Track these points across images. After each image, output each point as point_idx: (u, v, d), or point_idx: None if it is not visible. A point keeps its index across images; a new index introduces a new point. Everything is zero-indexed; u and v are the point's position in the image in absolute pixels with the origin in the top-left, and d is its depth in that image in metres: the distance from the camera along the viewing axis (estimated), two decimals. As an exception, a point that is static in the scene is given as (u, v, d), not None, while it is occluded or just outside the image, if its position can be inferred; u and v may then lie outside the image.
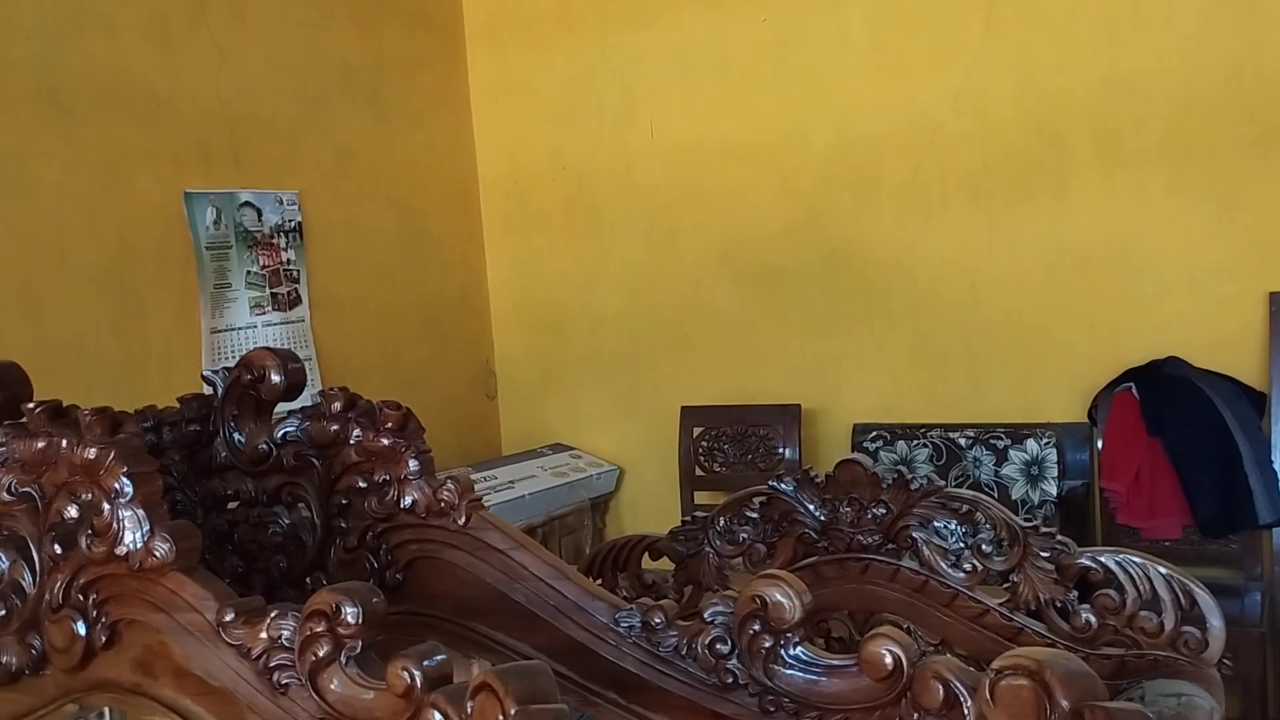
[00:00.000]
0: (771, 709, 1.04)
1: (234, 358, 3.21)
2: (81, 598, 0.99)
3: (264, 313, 3.34)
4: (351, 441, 1.23)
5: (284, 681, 0.90)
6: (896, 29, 3.53)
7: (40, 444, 1.01)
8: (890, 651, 0.97)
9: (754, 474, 3.73)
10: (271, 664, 0.90)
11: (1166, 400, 3.23)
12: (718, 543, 1.87)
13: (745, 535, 1.86)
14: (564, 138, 4.11)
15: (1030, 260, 3.43)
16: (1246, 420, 3.14)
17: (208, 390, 1.30)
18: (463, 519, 1.18)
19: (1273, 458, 3.09)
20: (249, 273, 3.29)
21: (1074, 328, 3.40)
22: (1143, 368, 3.28)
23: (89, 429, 0.99)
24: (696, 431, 3.90)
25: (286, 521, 1.27)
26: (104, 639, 0.99)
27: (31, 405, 1.03)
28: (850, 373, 3.74)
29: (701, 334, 3.96)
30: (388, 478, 1.21)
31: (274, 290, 3.37)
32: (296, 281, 3.45)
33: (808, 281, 3.75)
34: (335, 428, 1.24)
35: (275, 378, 1.26)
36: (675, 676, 1.09)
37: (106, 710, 1.41)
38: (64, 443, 1.00)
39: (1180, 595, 1.59)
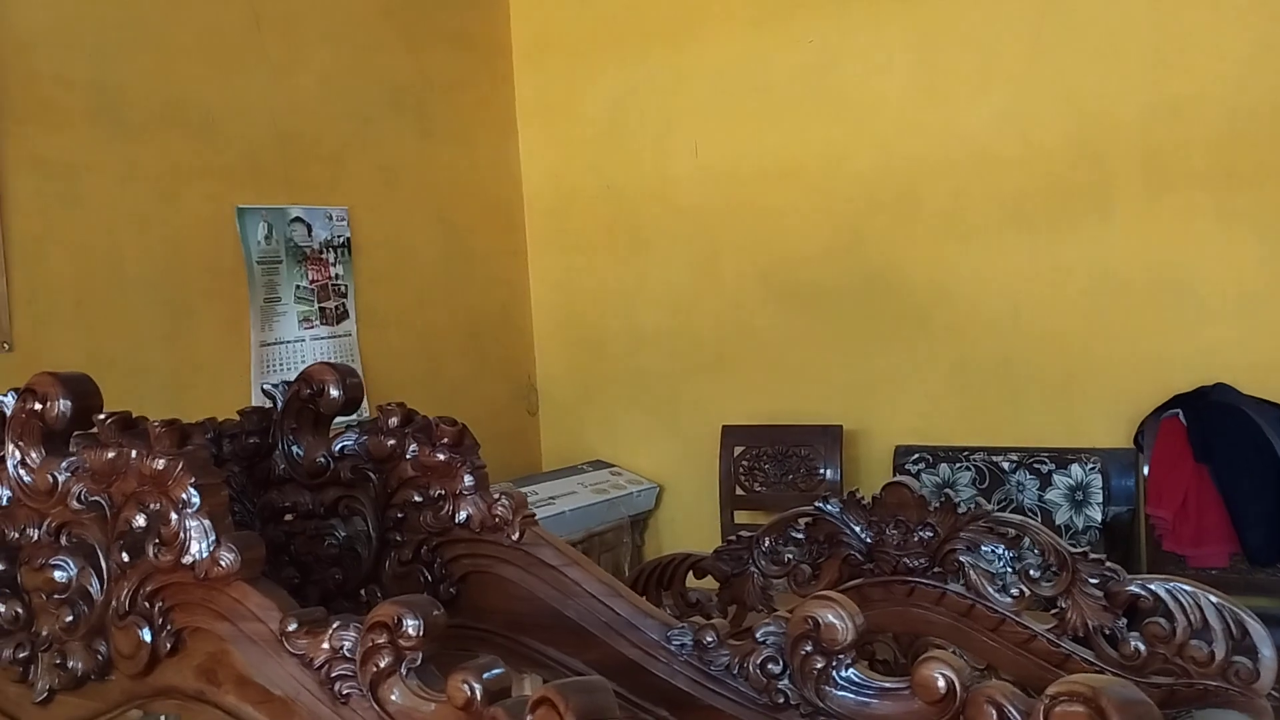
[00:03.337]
0: (822, 729, 1.04)
1: (283, 371, 3.25)
2: (148, 605, 1.01)
3: (312, 326, 3.39)
4: (408, 456, 1.25)
5: (345, 692, 0.91)
6: (940, 51, 3.54)
7: (110, 454, 1.04)
8: (943, 675, 0.97)
9: (795, 494, 3.73)
10: (333, 674, 0.92)
11: (1214, 427, 3.20)
12: (763, 563, 1.87)
13: (790, 556, 1.86)
14: (607, 157, 4.14)
15: (1074, 284, 3.41)
16: (1294, 448, 3.10)
17: (266, 403, 1.32)
18: (516, 534, 1.19)
19: (1321, 486, 3.05)
20: (298, 287, 3.34)
21: (1118, 352, 3.38)
22: (1190, 394, 3.25)
23: (158, 440, 1.02)
24: (737, 451, 3.90)
25: (342, 534, 1.29)
26: (169, 646, 1.01)
27: (102, 416, 1.05)
28: (891, 394, 3.73)
29: (742, 353, 3.97)
30: (443, 492, 1.23)
31: (322, 305, 3.42)
32: (344, 296, 3.49)
33: (849, 302, 3.75)
34: (392, 442, 1.26)
35: (334, 392, 1.28)
36: (726, 695, 1.09)
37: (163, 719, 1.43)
38: (133, 453, 1.02)
39: (1231, 625, 1.58)
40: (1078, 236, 3.39)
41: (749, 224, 3.90)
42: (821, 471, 3.76)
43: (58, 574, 1.07)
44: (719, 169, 3.93)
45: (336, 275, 3.46)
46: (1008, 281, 3.50)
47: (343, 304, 3.49)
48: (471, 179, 4.09)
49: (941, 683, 0.97)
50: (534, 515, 1.19)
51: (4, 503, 1.11)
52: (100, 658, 1.06)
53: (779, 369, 3.90)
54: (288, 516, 1.32)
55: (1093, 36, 3.32)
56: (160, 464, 1.00)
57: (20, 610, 1.10)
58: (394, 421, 1.26)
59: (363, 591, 1.28)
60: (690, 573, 1.89)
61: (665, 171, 4.03)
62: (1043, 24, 3.39)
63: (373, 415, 1.29)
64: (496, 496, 1.21)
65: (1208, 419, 3.22)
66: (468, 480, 1.22)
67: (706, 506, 3.97)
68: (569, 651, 1.15)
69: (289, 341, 3.31)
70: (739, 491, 3.90)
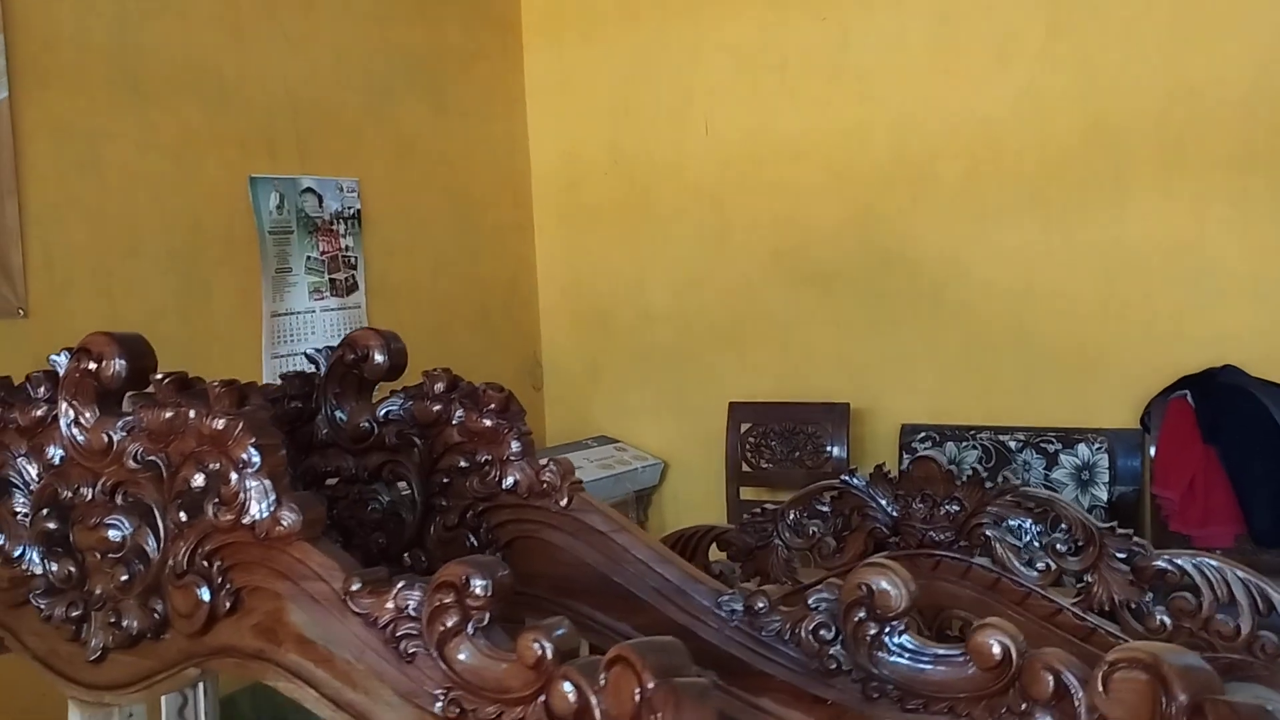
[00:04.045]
0: (875, 695, 1.05)
1: (293, 342, 3.25)
2: (206, 564, 1.02)
3: (323, 298, 3.38)
4: (454, 422, 1.25)
5: (410, 650, 0.92)
6: (957, 30, 3.53)
7: (168, 414, 1.04)
8: (1000, 641, 0.98)
9: (801, 471, 3.75)
10: (398, 633, 0.92)
11: (1222, 408, 3.22)
12: (787, 535, 1.88)
13: (815, 529, 1.87)
14: (619, 132, 4.13)
15: (1086, 265, 3.42)
16: (1303, 431, 3.12)
17: (309, 368, 1.32)
18: (565, 500, 1.20)
19: (1328, 469, 3.07)
20: (309, 258, 3.33)
21: (1129, 333, 3.39)
22: (1198, 375, 3.27)
23: (218, 400, 1.02)
24: (744, 428, 3.91)
25: (386, 499, 1.30)
26: (227, 605, 1.01)
27: (160, 376, 1.05)
28: (900, 373, 3.74)
29: (751, 331, 3.97)
30: (490, 458, 1.24)
31: (332, 276, 3.41)
32: (354, 268, 3.48)
33: (859, 280, 3.76)
34: (438, 408, 1.26)
35: (379, 358, 1.28)
36: (777, 661, 1.10)
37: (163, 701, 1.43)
38: (192, 413, 1.02)
39: (1258, 599, 1.59)
40: (1091, 217, 3.40)
41: (760, 201, 3.89)
42: (828, 449, 3.77)
43: (112, 533, 1.07)
44: (731, 145, 3.92)
45: (347, 247, 3.46)
46: (1020, 261, 3.51)
47: (353, 276, 3.49)
48: (482, 153, 4.08)
49: (997, 649, 0.98)
50: (581, 482, 1.20)
51: (57, 462, 1.11)
52: (156, 616, 1.06)
53: (787, 346, 3.91)
54: (330, 481, 1.32)
55: (1110, 18, 3.32)
56: (220, 424, 1.00)
57: (73, 569, 1.10)
58: (440, 387, 1.26)
59: (406, 556, 1.28)
60: (714, 545, 1.90)
61: (676, 147, 4.02)
62: (1060, 5, 3.39)
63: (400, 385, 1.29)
64: (544, 463, 1.21)
65: (1216, 401, 3.24)
66: (515, 446, 1.22)
67: (712, 483, 3.99)
68: (617, 616, 1.16)
69: (300, 312, 3.31)
70: (745, 468, 3.91)
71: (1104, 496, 3.37)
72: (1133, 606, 1.63)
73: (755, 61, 3.85)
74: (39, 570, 1.12)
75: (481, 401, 1.24)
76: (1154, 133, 3.29)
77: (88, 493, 1.09)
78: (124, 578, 1.07)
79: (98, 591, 1.10)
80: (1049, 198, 3.45)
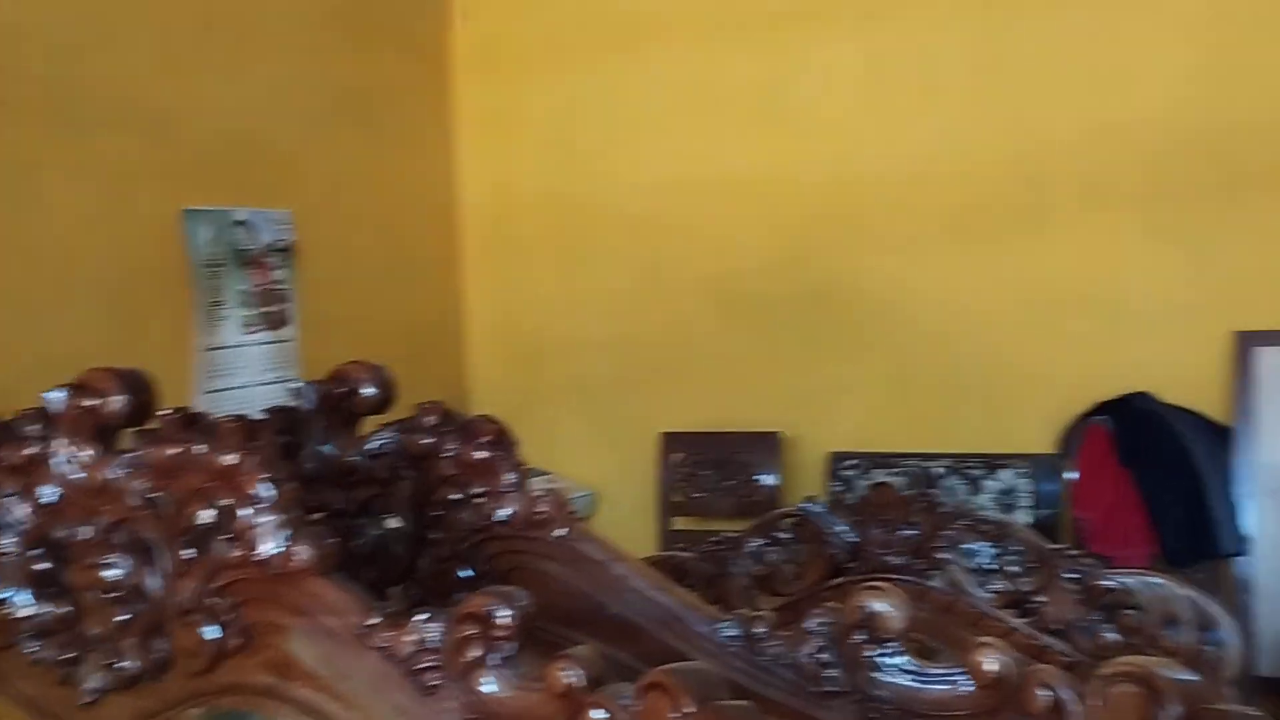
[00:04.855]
0: (874, 716, 1.09)
1: (226, 376, 3.20)
2: (215, 601, 1.01)
3: (254, 331, 3.33)
4: (446, 455, 1.27)
5: (432, 683, 0.93)
6: (886, 70, 3.65)
7: (173, 450, 1.04)
8: (996, 659, 1.03)
9: (733, 500, 3.80)
10: (419, 666, 0.93)
11: (1137, 434, 3.36)
12: (747, 563, 1.92)
13: (774, 556, 1.91)
14: (551, 167, 4.16)
15: (1007, 297, 3.55)
16: (1212, 454, 3.27)
17: (293, 402, 1.32)
18: (561, 531, 1.22)
19: (1237, 490, 3.21)
20: (241, 291, 3.28)
21: (1048, 362, 3.52)
22: (1114, 401, 3.41)
23: (227, 436, 1.02)
24: (676, 458, 3.95)
25: (375, 532, 1.30)
26: (236, 642, 1.01)
27: (165, 412, 1.05)
28: (829, 402, 3.82)
29: (684, 363, 4.02)
30: (484, 490, 1.25)
31: (264, 309, 3.37)
32: (287, 301, 3.44)
33: (790, 313, 3.83)
34: (429, 440, 1.27)
35: (369, 390, 1.29)
36: (776, 685, 1.13)
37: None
38: (200, 449, 1.02)
39: (1200, 615, 1.67)
40: (1013, 252, 3.53)
41: (694, 235, 3.96)
42: (760, 478, 3.83)
43: (111, 572, 1.06)
44: (666, 181, 3.98)
45: (279, 280, 3.42)
46: (945, 294, 3.62)
47: (285, 309, 3.44)
48: (412, 185, 4.07)
49: (994, 667, 1.03)
50: (577, 512, 1.22)
51: (50, 501, 1.09)
52: (157, 656, 1.05)
53: (720, 378, 3.97)
54: (317, 515, 1.32)
55: (1032, 60, 3.47)
56: (231, 459, 1.00)
57: (67, 610, 1.09)
58: (432, 420, 1.28)
59: (398, 590, 1.29)
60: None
61: (610, 181, 4.07)
62: (985, 48, 3.53)
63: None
64: (538, 494, 1.23)
65: (1130, 426, 3.38)
66: (509, 478, 1.24)
67: (644, 514, 4.01)
68: (616, 645, 1.18)
69: (232, 346, 3.25)
70: (678, 498, 3.94)
71: (1026, 520, 3.47)
72: (1082, 625, 1.70)
73: (689, 98, 3.92)
74: (29, 612, 1.10)
75: (474, 434, 1.25)
76: (1072, 169, 3.44)
77: (85, 532, 1.08)
78: (123, 617, 1.06)
79: (93, 632, 1.08)
80: (973, 233, 3.58)
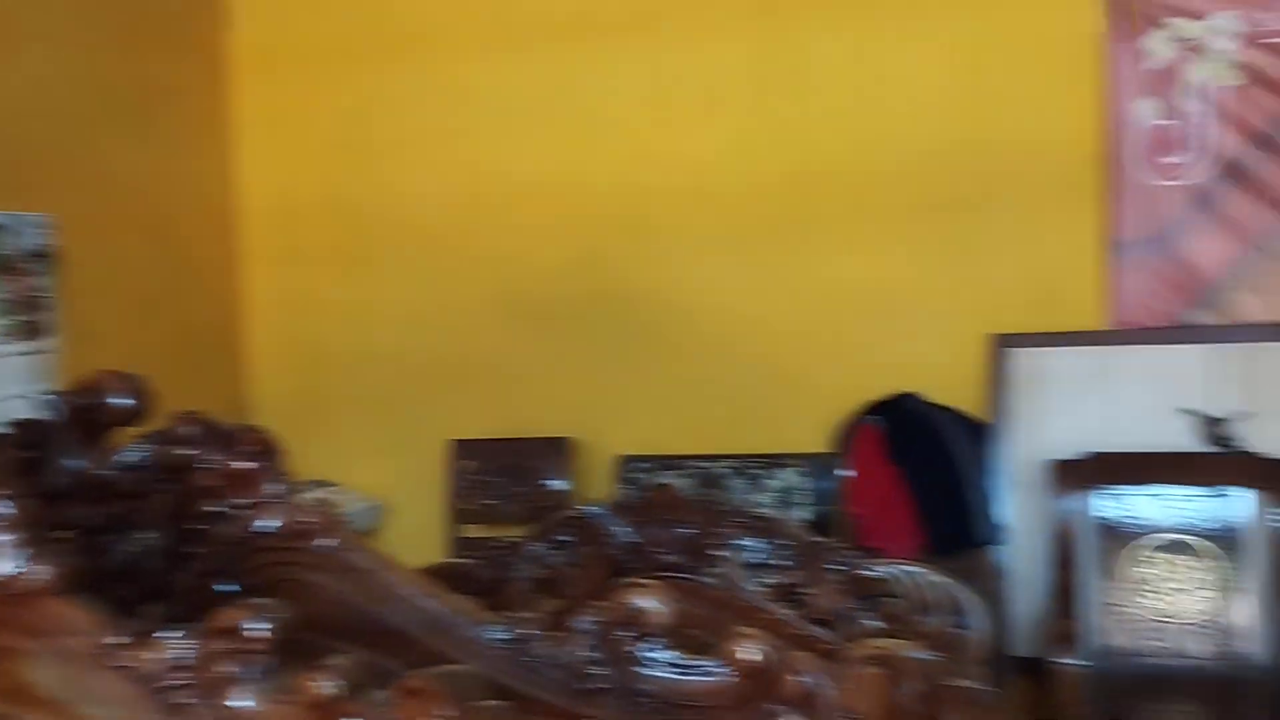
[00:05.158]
0: (638, 710, 1.12)
1: (-22, 388, 2.99)
2: (-59, 628, 0.95)
3: (10, 340, 3.13)
4: (205, 466, 1.23)
5: (181, 702, 0.90)
6: (672, 81, 3.74)
7: (-107, 468, 0.97)
8: (753, 649, 1.07)
9: (524, 507, 3.80)
10: (167, 685, 0.90)
11: (904, 432, 3.55)
12: (528, 567, 1.93)
13: (555, 559, 1.93)
14: (338, 172, 4.07)
15: (787, 302, 3.69)
16: (971, 450, 3.48)
17: (43, 414, 1.26)
18: (326, 541, 1.20)
19: (994, 483, 3.43)
20: (-2, 299, 3.08)
21: (824, 365, 3.67)
22: (884, 402, 3.59)
23: (-45, 452, 0.96)
24: (466, 466, 3.93)
25: (129, 549, 1.24)
26: (-35, 670, 0.95)
27: (-116, 427, 0.98)
28: (618, 407, 3.87)
29: (473, 370, 4.00)
30: (245, 501, 1.22)
31: (21, 317, 3.16)
32: (47, 309, 3.24)
33: (580, 319, 3.87)
34: (187, 452, 1.23)
35: (119, 400, 1.23)
36: (544, 685, 1.14)
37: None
38: (-76, 466, 0.96)
39: (950, 601, 1.78)
40: (790, 259, 3.67)
41: (482, 242, 3.94)
42: (550, 483, 3.84)
43: None
44: (454, 187, 3.95)
45: (39, 287, 3.22)
46: (727, 300, 3.74)
47: (45, 318, 3.24)
48: (188, 189, 3.90)
49: (751, 657, 1.07)
50: (345, 521, 1.20)
51: None
52: None
53: (509, 385, 3.96)
54: (63, 532, 1.26)
55: (807, 76, 3.63)
56: (-41, 476, 0.94)
57: None
58: (190, 431, 1.23)
59: (153, 606, 1.24)
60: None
61: (398, 188, 4.01)
62: (763, 63, 3.66)
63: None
64: (303, 504, 1.21)
65: (899, 426, 3.56)
66: (273, 488, 1.21)
67: (434, 523, 3.97)
68: (387, 654, 1.17)
69: (-15, 357, 3.04)
70: (469, 506, 3.92)
71: (805, 517, 3.61)
72: (847, 614, 1.79)
73: (478, 105, 3.91)
74: None
75: (235, 444, 1.22)
76: (843, 180, 3.60)
77: None
78: None
79: None
80: (752, 241, 3.70)
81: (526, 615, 1.17)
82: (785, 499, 3.64)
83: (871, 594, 1.82)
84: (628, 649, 1.11)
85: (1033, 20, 3.45)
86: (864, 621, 1.74)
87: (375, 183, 4.05)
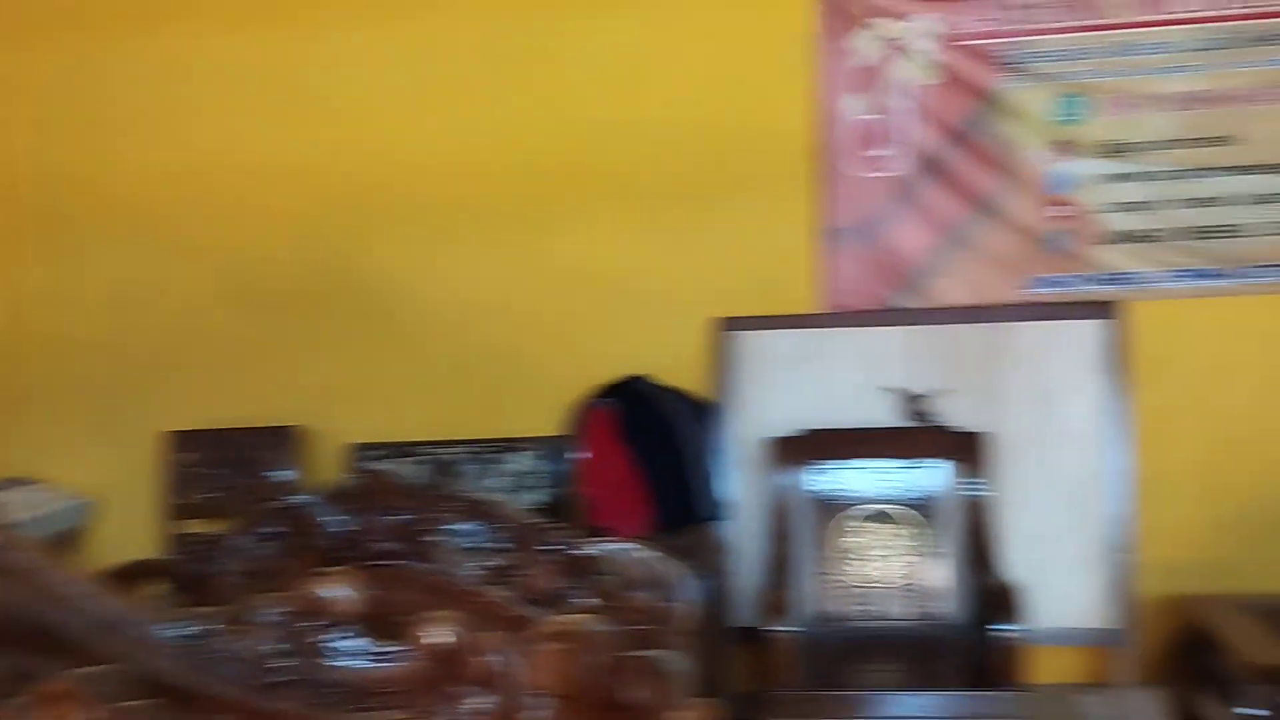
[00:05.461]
0: (325, 700, 1.10)
1: None
2: None
3: None
4: None
5: None
6: (403, 61, 3.67)
7: None
8: (442, 631, 1.07)
9: (249, 500, 3.65)
10: None
11: (635, 414, 3.63)
12: (234, 561, 1.86)
13: (264, 551, 1.87)
14: (44, 146, 3.78)
15: (523, 287, 3.70)
16: (698, 430, 3.60)
17: None
18: (-16, 542, 1.11)
19: (719, 462, 3.56)
20: None
21: (558, 350, 3.71)
22: (616, 385, 3.66)
23: None
24: (185, 458, 3.74)
25: None
26: None
27: None
28: (351, 394, 3.78)
29: (194, 358, 3.81)
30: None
31: None
32: None
33: (308, 305, 3.75)
34: None
35: None
36: (226, 682, 1.10)
37: None
38: None
39: (657, 576, 1.84)
40: (524, 245, 3.69)
41: (203, 224, 3.76)
42: (276, 474, 3.71)
43: None
44: (173, 166, 3.75)
45: None
46: (461, 284, 3.72)
47: None
48: None
49: (440, 639, 1.07)
50: (9, 523, 1.12)
51: None
52: None
53: (235, 373, 3.80)
54: None
55: (539, 63, 3.64)
56: None
57: None
58: None
59: None
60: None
61: (111, 165, 3.76)
62: (499, 44, 3.65)
63: None
64: (-45, 502, 1.11)
65: (630, 408, 3.64)
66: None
67: (150, 518, 3.76)
68: (51, 657, 1.09)
69: None
70: (188, 500, 3.73)
71: (542, 500, 3.64)
72: (565, 592, 1.82)
73: (202, 82, 3.71)
74: None
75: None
76: (578, 164, 3.63)
77: None
78: None
79: None
80: (488, 225, 3.69)
81: (210, 610, 1.13)
82: (520, 483, 3.66)
83: (586, 573, 1.85)
84: (312, 639, 1.08)
85: (753, 16, 3.58)
86: (576, 600, 1.78)
87: (87, 158, 3.80)
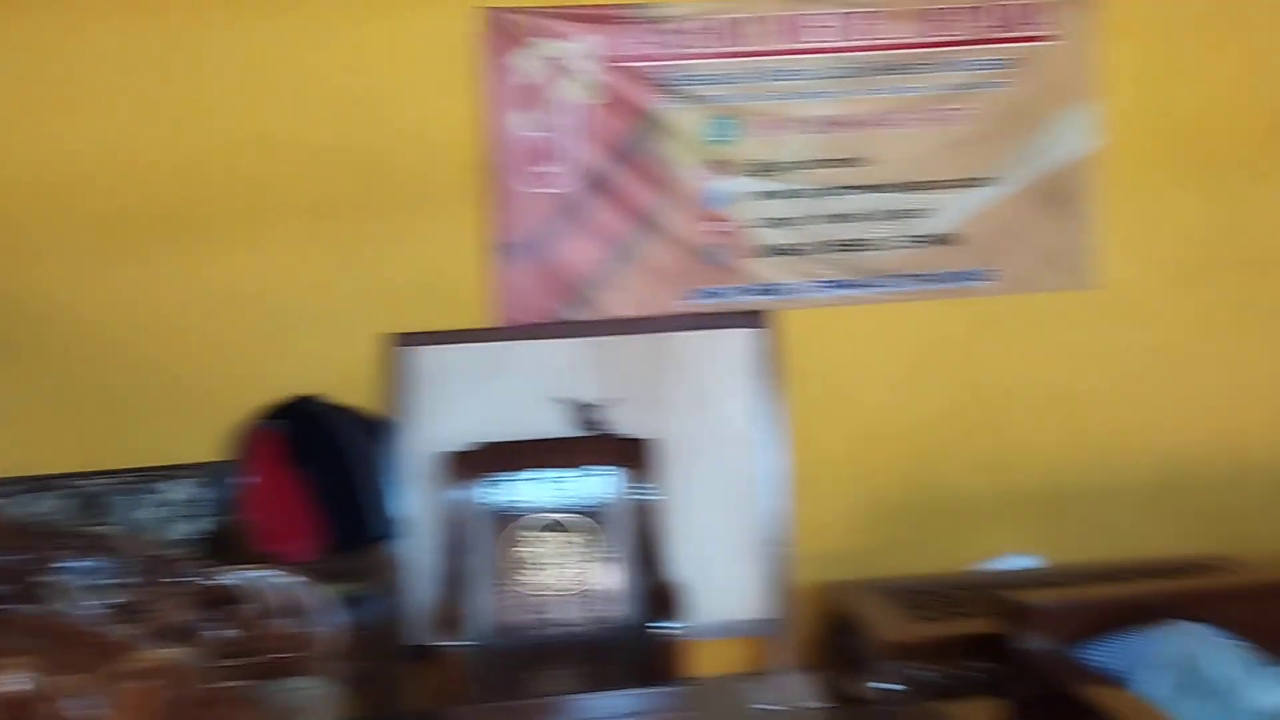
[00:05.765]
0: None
1: None
2: None
3: None
4: None
5: None
6: (30, 68, 3.42)
7: None
8: (12, 682, 1.00)
9: None
10: None
11: (305, 435, 3.53)
12: None
13: None
14: None
15: (177, 306, 3.52)
16: (371, 448, 3.55)
17: None
18: None
19: (393, 479, 3.52)
20: None
21: (219, 371, 3.55)
22: (285, 406, 3.54)
23: None
24: None
25: None
26: None
27: None
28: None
29: None
30: None
31: None
32: None
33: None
34: None
35: None
36: None
37: None
38: None
39: (300, 603, 1.81)
40: (177, 261, 3.51)
41: None
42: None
43: None
44: None
45: None
46: (109, 306, 3.49)
47: None
48: None
49: (11, 689, 1.00)
50: None
51: None
52: None
53: None
54: None
55: (192, 70, 3.47)
56: None
57: None
58: None
59: None
60: None
61: None
62: (142, 52, 3.45)
63: None
64: None
65: (299, 429, 3.54)
66: None
67: None
68: None
69: None
70: None
71: (206, 527, 3.48)
72: (198, 625, 1.75)
73: None
74: None
75: None
76: (242, 178, 3.50)
77: None
78: None
79: None
80: (136, 239, 3.48)
81: None
82: (179, 512, 3.47)
83: (221, 603, 1.79)
84: None
85: (419, 30, 3.54)
86: (210, 632, 1.72)
87: None
